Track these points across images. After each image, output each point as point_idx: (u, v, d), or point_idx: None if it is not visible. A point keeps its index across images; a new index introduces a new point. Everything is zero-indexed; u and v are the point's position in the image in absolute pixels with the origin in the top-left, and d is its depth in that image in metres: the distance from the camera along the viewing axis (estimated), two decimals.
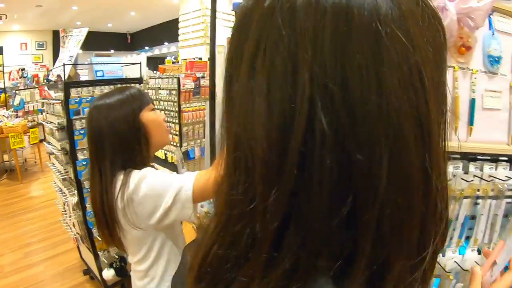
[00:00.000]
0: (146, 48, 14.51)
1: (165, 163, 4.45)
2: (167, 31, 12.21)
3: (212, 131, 2.56)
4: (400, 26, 0.30)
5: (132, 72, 3.66)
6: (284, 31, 0.31)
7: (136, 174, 1.16)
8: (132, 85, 2.18)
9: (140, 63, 3.47)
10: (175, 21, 8.36)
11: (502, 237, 0.76)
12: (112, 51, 14.41)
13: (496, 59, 1.20)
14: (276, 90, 0.31)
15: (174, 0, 8.97)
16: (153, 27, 13.81)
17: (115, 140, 1.18)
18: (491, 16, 1.20)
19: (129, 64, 3.77)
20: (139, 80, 3.27)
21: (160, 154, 4.56)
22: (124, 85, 2.21)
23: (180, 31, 7.96)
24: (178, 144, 4.25)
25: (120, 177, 1.16)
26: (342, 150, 0.30)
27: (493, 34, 1.21)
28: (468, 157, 1.20)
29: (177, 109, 4.35)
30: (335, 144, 0.30)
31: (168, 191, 1.09)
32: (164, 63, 6.69)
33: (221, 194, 0.37)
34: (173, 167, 4.36)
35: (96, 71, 3.17)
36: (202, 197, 1.11)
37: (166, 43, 13.57)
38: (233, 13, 8.55)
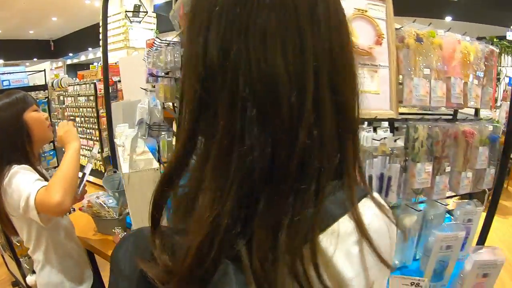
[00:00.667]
0: (70, 54, 13.88)
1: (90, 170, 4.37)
2: (91, 36, 11.76)
3: (110, 127, 2.64)
4: None
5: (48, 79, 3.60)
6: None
7: (13, 169, 1.33)
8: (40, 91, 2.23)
9: (44, 70, 3.45)
10: (98, 26, 8.10)
11: None
12: (35, 59, 13.61)
13: None
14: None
15: (96, 3, 8.69)
16: (77, 33, 13.23)
17: (2, 137, 1.38)
18: None
19: (34, 72, 3.68)
20: (44, 87, 3.24)
21: (83, 162, 4.47)
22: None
23: (101, 36, 7.73)
24: (100, 150, 4.20)
25: (4, 171, 1.34)
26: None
27: None
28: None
29: (95, 114, 4.30)
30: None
31: (23, 194, 1.26)
32: (89, 69, 6.50)
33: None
34: (98, 174, 4.31)
35: (3, 81, 3.30)
36: (42, 211, 1.26)
37: (90, 49, 13.08)
38: (154, 15, 8.49)
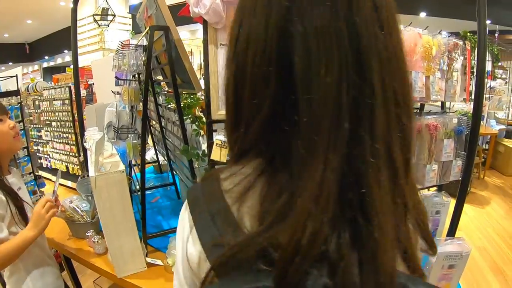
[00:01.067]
0: (46, 57, 13.57)
1: (67, 175, 4.30)
2: (67, 38, 11.49)
3: (82, 130, 2.60)
4: None
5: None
6: None
7: None
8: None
9: (16, 75, 3.37)
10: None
11: None
12: (10, 63, 13.26)
13: None
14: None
15: (71, 4, 8.51)
16: (52, 35, 12.92)
17: None
18: None
19: (6, 78, 3.58)
20: (16, 93, 3.16)
21: (62, 167, 4.39)
22: None
23: (71, 38, 7.61)
24: (76, 154, 4.13)
25: None
26: None
27: None
28: None
29: (71, 118, 4.20)
30: None
31: None
32: (65, 72, 6.38)
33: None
34: (75, 178, 4.24)
35: None
36: None
37: (66, 51, 12.82)
38: (130, 16, 8.39)
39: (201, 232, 0.44)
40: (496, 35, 6.99)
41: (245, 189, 0.44)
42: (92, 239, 1.68)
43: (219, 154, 1.25)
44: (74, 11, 2.61)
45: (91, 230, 1.73)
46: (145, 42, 1.61)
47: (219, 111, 1.25)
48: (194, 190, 0.49)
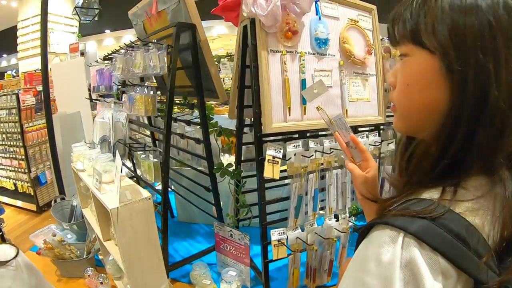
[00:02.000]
0: None
1: (16, 193, 3.78)
2: (5, 41, 10.37)
3: (53, 144, 2.25)
4: None
5: None
6: None
7: None
8: None
9: None
10: (14, 29, 7.17)
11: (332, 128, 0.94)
12: None
13: (324, 41, 1.30)
14: None
15: (12, 3, 7.67)
16: None
17: None
18: (317, 2, 1.29)
19: None
20: None
21: (9, 185, 3.85)
22: None
23: (19, 40, 6.86)
24: (26, 170, 3.64)
25: None
26: None
27: (320, 19, 1.30)
28: (307, 134, 1.28)
29: (19, 130, 3.71)
30: None
31: None
32: (4, 78, 5.69)
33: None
34: (26, 197, 3.74)
35: None
36: None
37: (5, 55, 11.57)
38: (76, 17, 7.80)
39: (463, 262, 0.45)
40: None
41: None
42: (94, 279, 1.39)
43: (272, 171, 1.12)
44: (45, 6, 2.25)
45: (89, 268, 1.44)
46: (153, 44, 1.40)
47: (274, 124, 1.11)
48: (434, 232, 0.46)
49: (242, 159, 1.40)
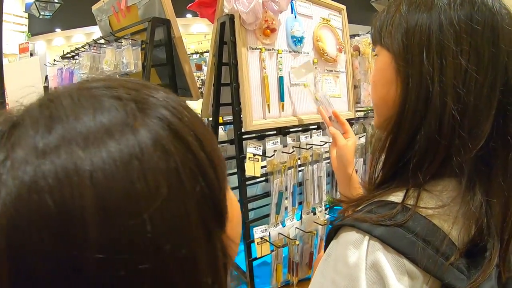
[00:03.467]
0: None
1: None
2: None
3: None
4: None
5: None
6: None
7: None
8: None
9: None
10: None
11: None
12: None
13: (299, 39, 1.32)
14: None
15: None
16: None
17: None
18: (293, 1, 1.30)
19: None
20: None
21: None
22: None
23: None
24: None
25: None
26: None
27: (295, 17, 1.32)
28: (284, 131, 1.29)
29: None
30: None
31: None
32: None
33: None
34: None
35: None
36: None
37: None
38: (26, 15, 7.30)
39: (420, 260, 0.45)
40: None
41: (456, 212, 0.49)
42: None
43: (253, 168, 1.12)
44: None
45: None
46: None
47: (254, 121, 1.11)
48: (398, 236, 0.46)
49: None
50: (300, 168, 1.40)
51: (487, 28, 0.49)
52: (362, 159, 1.65)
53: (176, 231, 0.27)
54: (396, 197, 0.51)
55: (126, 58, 1.20)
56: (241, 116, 1.12)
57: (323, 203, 1.52)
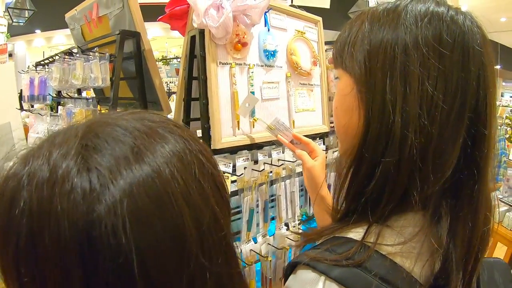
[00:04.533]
0: None
1: None
2: None
3: None
4: None
5: None
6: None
7: None
8: None
9: None
10: None
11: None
12: None
13: (272, 53, 1.31)
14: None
15: None
16: None
17: None
18: (266, 13, 1.29)
19: None
20: None
21: None
22: None
23: None
24: None
25: None
26: None
27: (268, 30, 1.31)
28: (256, 146, 1.28)
29: None
30: None
31: None
32: None
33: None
34: None
35: None
36: None
37: None
38: (7, 15, 7.09)
39: None
40: None
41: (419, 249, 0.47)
42: None
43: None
44: None
45: None
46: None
47: (223, 138, 1.09)
48: (355, 277, 0.44)
49: None
50: (272, 186, 1.39)
51: (456, 49, 0.45)
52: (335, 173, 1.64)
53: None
54: (356, 233, 0.49)
55: (94, 73, 1.17)
56: (210, 132, 1.10)
57: (296, 218, 1.51)
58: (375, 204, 0.48)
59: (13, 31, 7.30)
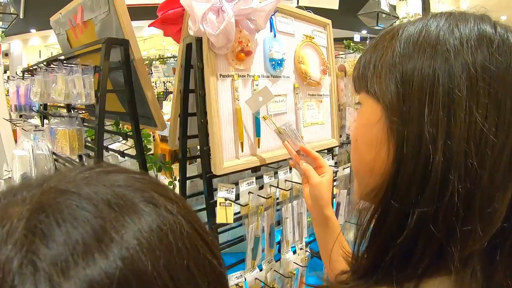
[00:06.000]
0: None
1: None
2: None
3: None
4: None
5: None
6: None
7: None
8: None
9: None
10: None
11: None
12: None
13: (279, 62, 1.16)
14: None
15: None
16: None
17: None
18: (272, 16, 1.15)
19: None
20: None
21: None
22: None
23: None
24: None
25: None
26: None
27: (275, 36, 1.15)
28: (260, 168, 1.14)
29: None
30: None
31: None
32: None
33: None
34: None
35: None
36: None
37: None
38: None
39: None
40: (367, 41, 8.41)
41: None
42: None
43: (225, 215, 0.96)
44: None
45: None
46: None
47: (225, 162, 0.95)
48: None
49: (187, 194, 1.22)
50: (278, 207, 1.25)
51: (509, 72, 0.37)
52: (345, 190, 1.51)
53: None
54: None
55: (77, 88, 1.03)
56: (210, 155, 0.96)
57: (303, 240, 1.38)
58: (403, 262, 0.39)
59: (8, 31, 7.22)
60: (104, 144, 1.54)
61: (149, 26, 1.07)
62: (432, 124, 0.37)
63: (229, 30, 0.87)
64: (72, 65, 1.06)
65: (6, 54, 9.27)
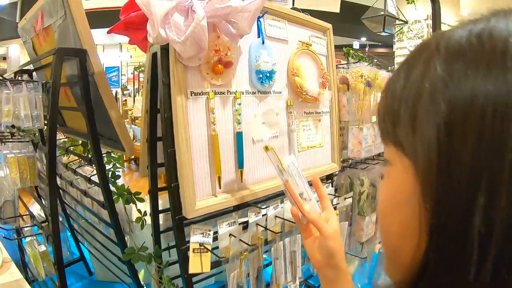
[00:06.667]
0: None
1: None
2: None
3: None
4: None
5: None
6: None
7: None
8: None
9: None
10: None
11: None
12: None
13: (268, 74, 0.97)
14: None
15: None
16: None
17: None
18: (260, 19, 0.96)
19: None
20: None
21: None
22: None
23: None
24: None
25: None
26: None
27: (263, 43, 0.97)
28: (247, 204, 0.94)
29: None
30: None
31: None
32: None
33: None
34: None
35: None
36: None
37: None
38: None
39: None
40: (367, 49, 8.48)
41: None
42: None
43: (200, 263, 0.77)
44: None
45: None
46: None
47: (199, 202, 0.76)
48: None
49: (161, 229, 1.03)
50: (267, 247, 1.06)
51: None
52: (346, 222, 1.30)
53: None
54: None
55: (24, 110, 0.84)
56: (180, 195, 0.76)
57: (297, 280, 1.18)
58: None
59: (6, 35, 7.23)
60: (73, 167, 1.37)
61: (108, 32, 0.89)
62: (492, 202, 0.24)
63: (199, 36, 0.68)
64: (17, 81, 0.88)
65: (4, 58, 9.32)
